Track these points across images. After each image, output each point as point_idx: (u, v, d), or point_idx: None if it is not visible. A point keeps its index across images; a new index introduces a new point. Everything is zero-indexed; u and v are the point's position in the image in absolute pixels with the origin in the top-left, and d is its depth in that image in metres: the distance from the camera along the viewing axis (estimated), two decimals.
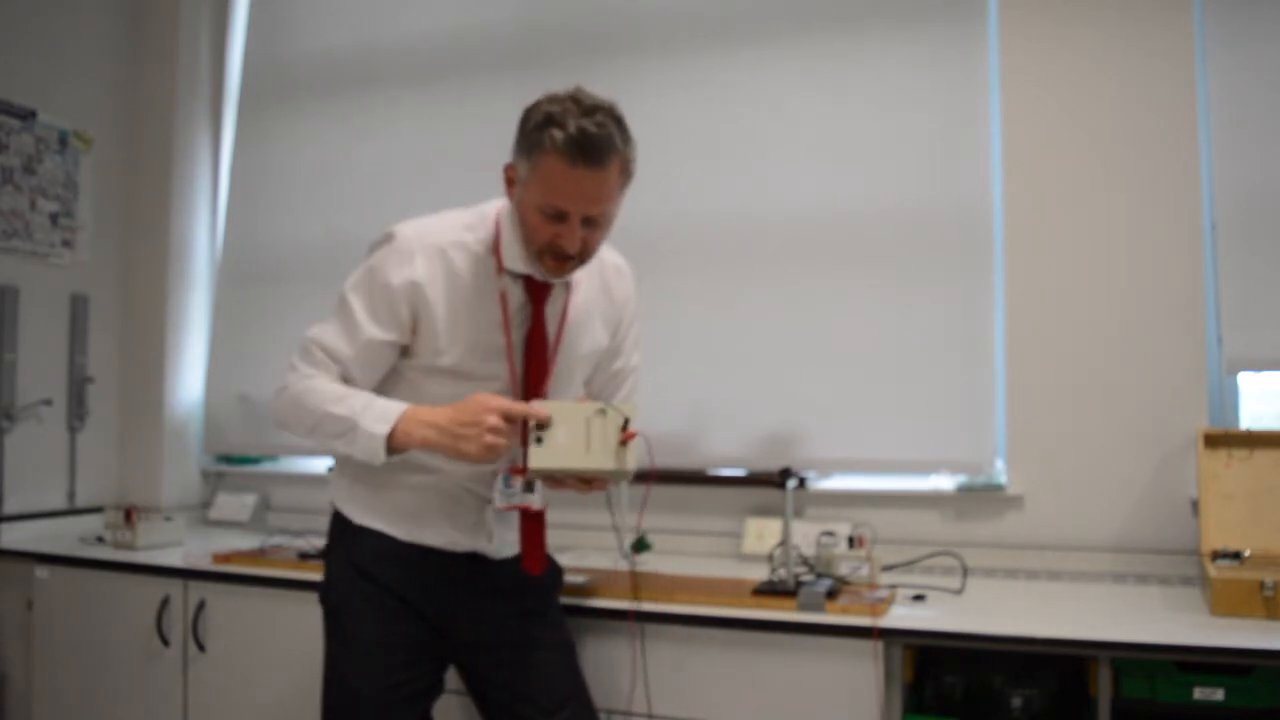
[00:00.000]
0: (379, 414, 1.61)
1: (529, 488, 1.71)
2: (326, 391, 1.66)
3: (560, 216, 1.58)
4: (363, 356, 1.70)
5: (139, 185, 3.29)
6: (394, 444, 1.60)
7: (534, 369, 1.72)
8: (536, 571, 1.79)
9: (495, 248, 1.70)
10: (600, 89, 1.60)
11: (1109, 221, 2.40)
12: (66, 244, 3.10)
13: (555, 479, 1.62)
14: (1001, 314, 2.47)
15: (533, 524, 1.78)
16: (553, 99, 1.57)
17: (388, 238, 1.70)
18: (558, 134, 1.53)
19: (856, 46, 2.64)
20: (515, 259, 1.69)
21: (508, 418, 1.56)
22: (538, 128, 1.55)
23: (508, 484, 1.71)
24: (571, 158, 1.53)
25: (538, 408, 1.57)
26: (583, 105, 1.55)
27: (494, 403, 1.56)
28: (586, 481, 1.62)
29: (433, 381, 1.71)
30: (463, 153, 2.96)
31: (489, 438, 1.54)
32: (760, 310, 2.64)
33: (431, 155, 3.02)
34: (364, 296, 1.69)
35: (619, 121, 1.58)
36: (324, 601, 1.81)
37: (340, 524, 1.81)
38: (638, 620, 1.96)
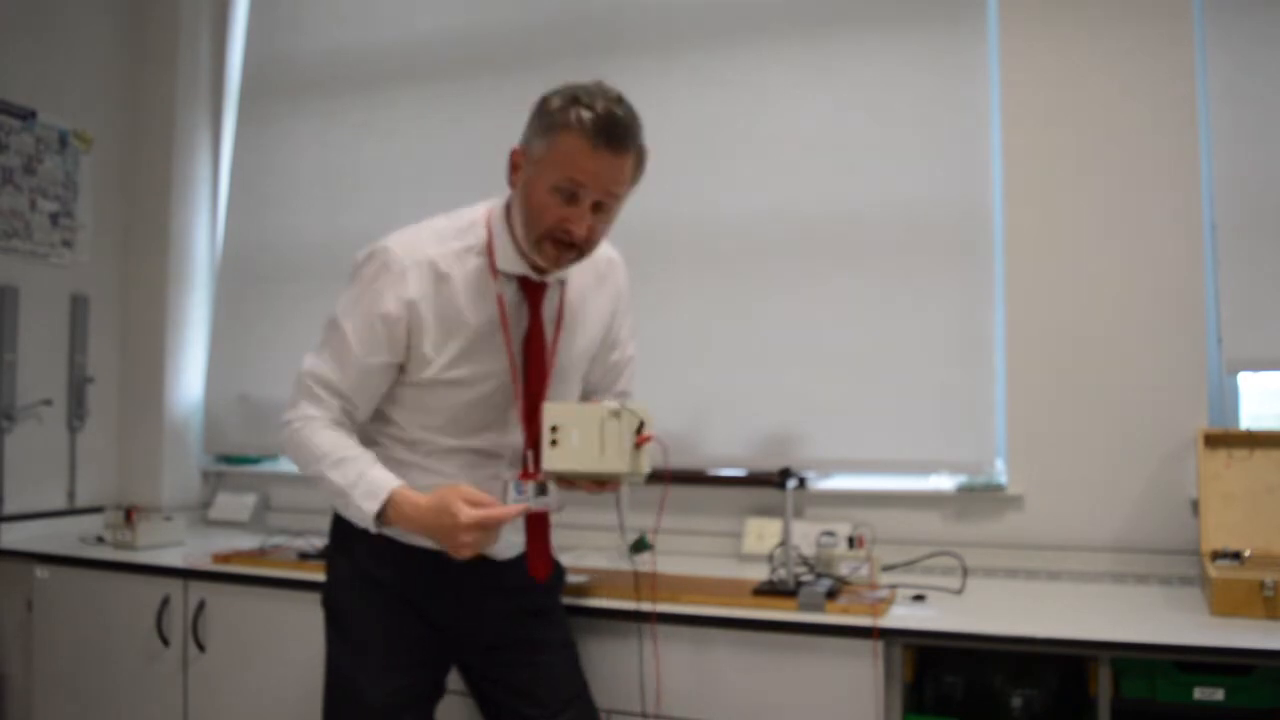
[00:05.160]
0: (368, 489, 1.60)
1: (542, 490, 1.70)
2: (325, 450, 1.64)
3: (573, 197, 1.58)
4: (361, 383, 1.68)
5: (139, 185, 3.29)
6: (385, 522, 1.61)
7: (534, 368, 1.72)
8: (542, 576, 1.80)
9: (487, 250, 1.69)
10: None
11: (1109, 221, 2.40)
12: (66, 244, 3.10)
13: (567, 480, 1.62)
14: (1001, 314, 2.47)
15: (538, 527, 1.78)
16: (577, 85, 1.59)
17: (375, 256, 1.67)
18: (585, 113, 1.54)
19: (856, 46, 2.64)
20: (509, 260, 1.68)
21: (482, 525, 1.54)
22: (562, 108, 1.56)
23: (519, 491, 1.69)
24: (595, 137, 1.54)
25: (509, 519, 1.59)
26: (609, 94, 1.58)
27: (466, 521, 1.53)
28: (599, 483, 1.61)
29: (434, 394, 1.70)
30: (464, 152, 2.95)
31: (465, 551, 1.56)
32: (760, 310, 2.64)
33: (433, 154, 3.02)
34: (357, 321, 1.66)
35: (637, 118, 1.61)
36: (326, 603, 1.81)
37: (342, 525, 1.80)
38: (639, 620, 1.96)
